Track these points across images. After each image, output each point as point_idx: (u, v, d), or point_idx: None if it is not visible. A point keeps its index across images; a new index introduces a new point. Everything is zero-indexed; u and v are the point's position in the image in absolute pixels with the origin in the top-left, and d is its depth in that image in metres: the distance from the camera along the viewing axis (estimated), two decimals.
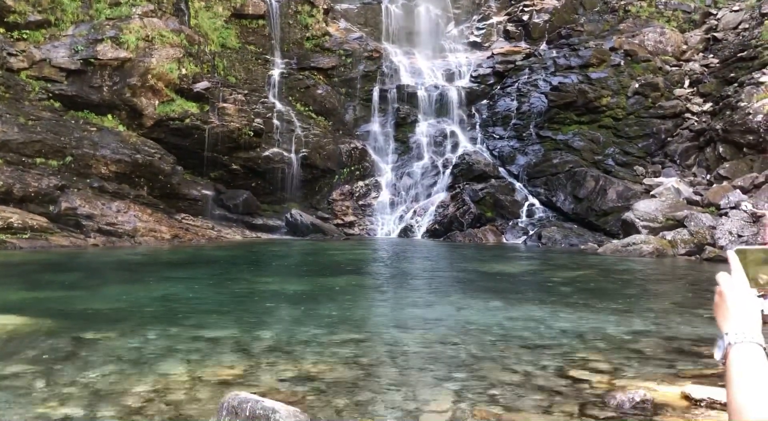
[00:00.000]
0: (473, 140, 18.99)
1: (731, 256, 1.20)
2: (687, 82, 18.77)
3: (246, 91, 16.92)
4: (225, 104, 16.23)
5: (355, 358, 5.07)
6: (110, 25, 15.22)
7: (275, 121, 16.92)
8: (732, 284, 1.17)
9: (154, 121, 15.26)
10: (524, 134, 18.63)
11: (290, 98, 17.71)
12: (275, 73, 17.95)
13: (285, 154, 16.69)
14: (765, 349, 1.11)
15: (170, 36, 15.69)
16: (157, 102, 15.28)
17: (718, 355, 1.13)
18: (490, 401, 4.01)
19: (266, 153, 16.49)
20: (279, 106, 17.31)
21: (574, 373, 4.52)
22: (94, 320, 6.44)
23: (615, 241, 13.74)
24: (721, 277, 1.19)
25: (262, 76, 17.71)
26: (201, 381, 4.55)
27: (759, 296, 1.17)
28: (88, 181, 14.05)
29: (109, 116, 15.09)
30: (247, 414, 3.32)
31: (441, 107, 19.17)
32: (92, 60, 14.80)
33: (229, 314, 6.98)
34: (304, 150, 16.85)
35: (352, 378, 4.55)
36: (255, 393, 4.27)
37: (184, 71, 15.78)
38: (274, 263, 12.11)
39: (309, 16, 19.16)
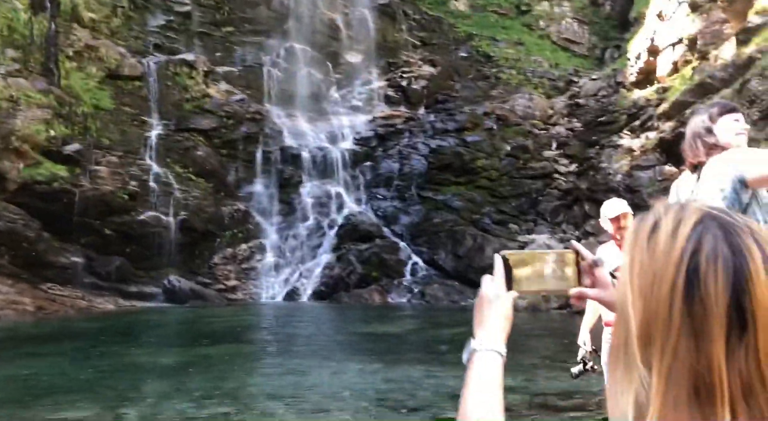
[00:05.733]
0: (358, 201, 19.22)
1: (497, 259, 1.26)
2: (554, 145, 20.06)
3: (121, 153, 16.34)
4: (97, 167, 15.58)
5: None
6: None
7: (152, 184, 16.38)
8: (491, 289, 1.22)
9: (18, 185, 14.37)
10: (406, 195, 19.10)
11: (168, 160, 17.25)
12: (152, 134, 17.49)
13: (162, 217, 16.12)
14: (503, 356, 1.16)
15: (37, 96, 15.01)
16: (22, 165, 14.44)
17: (464, 358, 1.18)
18: None
19: (142, 217, 15.86)
20: (156, 168, 16.81)
21: None
22: None
23: None
24: (484, 280, 1.24)
25: (138, 137, 17.19)
26: None
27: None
28: None
29: None
30: None
31: (325, 169, 19.34)
32: None
33: (91, 392, 6.51)
34: (183, 213, 16.36)
35: None
36: None
37: (53, 133, 15.08)
38: (147, 333, 11.51)
39: (188, 77, 18.97)
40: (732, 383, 0.82)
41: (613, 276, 1.21)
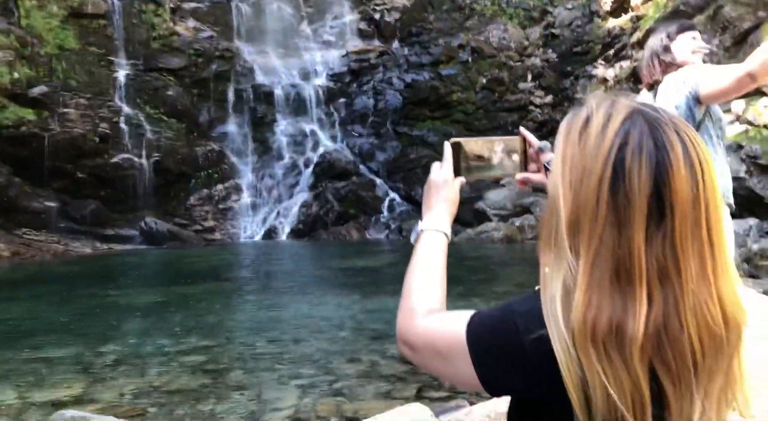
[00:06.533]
0: (333, 139, 19.08)
1: (446, 146, 1.30)
2: (530, 77, 19.93)
3: (89, 95, 15.95)
4: (66, 109, 15.23)
5: (202, 365, 4.96)
6: None
7: (123, 126, 16.08)
8: (439, 175, 1.28)
9: None
10: (382, 131, 18.98)
11: (138, 101, 16.88)
12: (120, 75, 17.04)
13: (135, 159, 15.90)
14: (447, 237, 1.23)
15: None
16: None
17: (412, 238, 1.25)
18: (335, 394, 4.08)
19: (115, 160, 15.64)
20: (126, 109, 16.47)
21: None
22: None
23: (469, 230, 14.35)
24: (433, 167, 1.29)
25: (106, 78, 16.75)
26: (33, 405, 4.28)
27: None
28: None
29: None
30: None
31: (299, 106, 19.08)
32: None
33: (71, 332, 6.57)
34: (156, 155, 16.15)
35: (197, 386, 4.45)
36: (93, 411, 4.07)
37: (16, 75, 14.64)
38: (125, 275, 11.55)
39: (155, 15, 18.37)
40: (650, 267, 0.87)
41: (546, 168, 1.25)
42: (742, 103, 11.68)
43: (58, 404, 4.19)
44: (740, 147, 11.08)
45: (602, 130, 0.92)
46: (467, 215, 15.84)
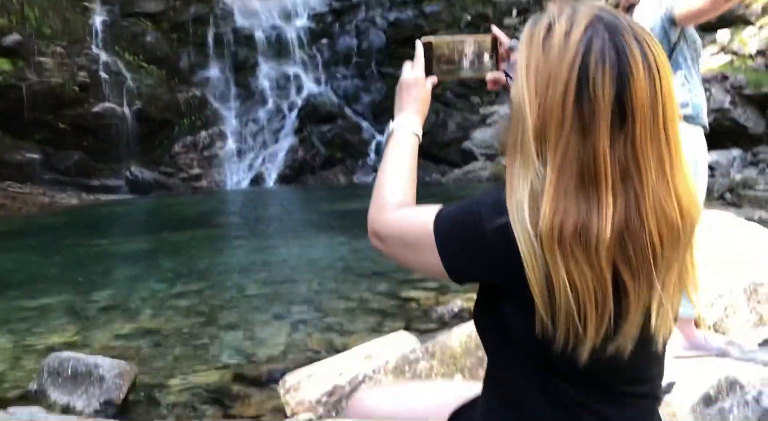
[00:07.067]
0: (317, 81, 18.82)
1: (417, 45, 1.31)
2: (515, 12, 19.60)
3: (65, 43, 15.56)
4: (42, 58, 14.88)
5: (194, 307, 5.03)
6: None
7: (102, 74, 15.76)
8: (411, 74, 1.30)
9: None
10: (366, 72, 18.73)
11: (117, 48, 16.50)
12: (97, 21, 16.61)
13: (117, 108, 15.65)
14: (418, 136, 1.27)
15: None
16: None
17: (383, 138, 1.29)
18: (325, 329, 4.16)
19: (96, 109, 15.38)
20: (105, 57, 16.11)
21: (405, 294, 4.78)
22: None
23: (456, 170, 14.37)
24: (405, 66, 1.32)
25: (82, 25, 16.31)
26: (27, 350, 4.34)
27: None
28: None
29: None
30: (69, 373, 3.21)
31: (281, 49, 18.73)
32: None
33: (61, 281, 6.60)
34: (137, 103, 15.90)
35: (190, 326, 4.52)
36: (86, 353, 4.13)
37: None
38: (113, 224, 11.54)
39: None
40: (613, 169, 0.92)
41: (507, 75, 1.25)
42: (727, 33, 11.60)
43: (52, 349, 4.25)
44: (725, 78, 11.05)
45: (565, 38, 0.94)
46: (454, 155, 15.83)
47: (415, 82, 1.29)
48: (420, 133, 1.28)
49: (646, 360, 1.02)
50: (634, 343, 0.96)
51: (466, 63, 1.28)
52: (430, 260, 1.06)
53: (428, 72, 1.26)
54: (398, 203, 1.18)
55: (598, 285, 0.92)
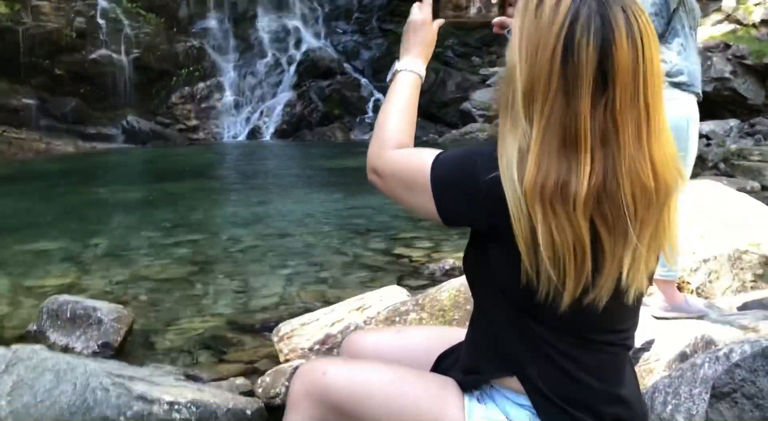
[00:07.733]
0: (317, 36, 18.60)
1: None
2: None
3: None
4: (39, 2, 14.65)
5: (190, 256, 5.10)
6: None
7: (100, 20, 15.55)
8: (418, 17, 1.35)
9: None
10: (367, 28, 18.51)
11: None
12: None
13: (114, 56, 15.49)
14: (421, 77, 1.31)
15: None
16: None
17: (388, 78, 1.34)
18: (319, 282, 4.25)
19: (93, 56, 15.22)
20: (103, 3, 15.86)
21: (398, 251, 4.86)
22: None
23: (454, 131, 14.36)
24: (413, 8, 1.37)
25: None
26: (26, 292, 4.42)
27: None
28: None
29: None
30: (68, 316, 3.29)
31: (281, 1, 18.48)
32: None
33: (58, 227, 6.65)
34: (135, 51, 15.73)
35: (185, 274, 4.60)
36: (84, 298, 4.21)
37: None
38: (110, 173, 11.55)
39: None
40: (593, 133, 0.98)
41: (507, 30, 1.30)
42: (733, 1, 11.48)
43: (51, 293, 4.33)
44: (727, 47, 10.99)
45: (555, 6, 1.00)
46: (452, 116, 15.78)
47: (422, 24, 1.34)
48: (423, 74, 1.33)
49: (619, 312, 1.10)
50: (609, 295, 1.03)
51: (473, 9, 1.31)
52: (424, 200, 1.12)
53: (435, 14, 1.30)
54: (398, 142, 1.24)
55: (576, 239, 0.99)
